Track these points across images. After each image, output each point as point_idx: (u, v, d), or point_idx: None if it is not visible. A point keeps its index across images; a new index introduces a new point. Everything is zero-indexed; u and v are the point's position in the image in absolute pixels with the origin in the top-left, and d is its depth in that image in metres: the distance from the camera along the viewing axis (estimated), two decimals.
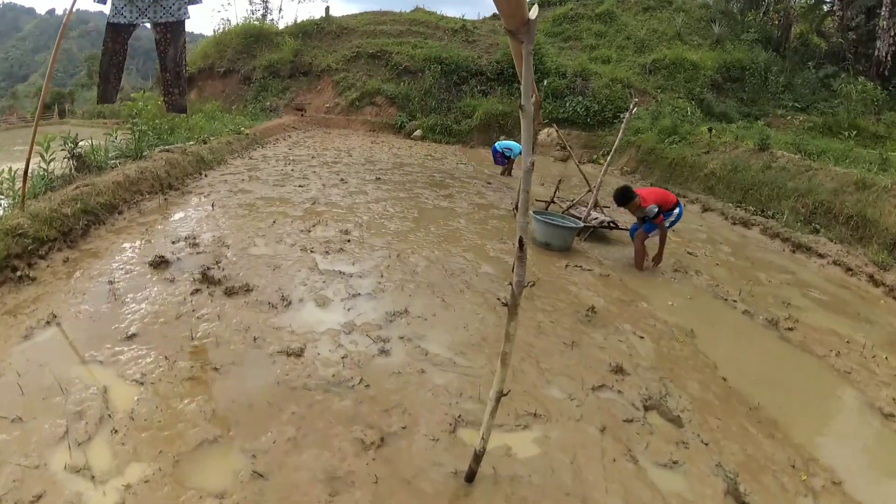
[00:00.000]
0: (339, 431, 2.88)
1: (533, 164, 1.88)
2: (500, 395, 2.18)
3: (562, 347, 4.22)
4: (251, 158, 11.03)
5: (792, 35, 20.05)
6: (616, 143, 7.89)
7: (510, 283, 2.14)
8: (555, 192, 9.08)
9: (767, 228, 9.98)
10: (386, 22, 23.76)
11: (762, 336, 5.13)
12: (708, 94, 17.26)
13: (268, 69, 21.07)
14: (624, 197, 6.27)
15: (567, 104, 18.36)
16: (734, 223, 10.66)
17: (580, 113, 17.95)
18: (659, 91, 17.93)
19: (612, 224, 7.78)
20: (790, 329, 5.31)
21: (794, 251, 9.25)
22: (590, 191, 8.40)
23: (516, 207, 8.85)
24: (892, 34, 16.08)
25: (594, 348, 4.30)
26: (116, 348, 3.44)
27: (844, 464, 3.30)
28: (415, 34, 22.72)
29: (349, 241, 6.08)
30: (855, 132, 12.24)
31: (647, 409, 3.59)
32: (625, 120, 7.87)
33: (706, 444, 3.27)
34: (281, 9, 43.23)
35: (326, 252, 5.60)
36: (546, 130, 18.00)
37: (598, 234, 7.87)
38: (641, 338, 4.64)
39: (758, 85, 17.88)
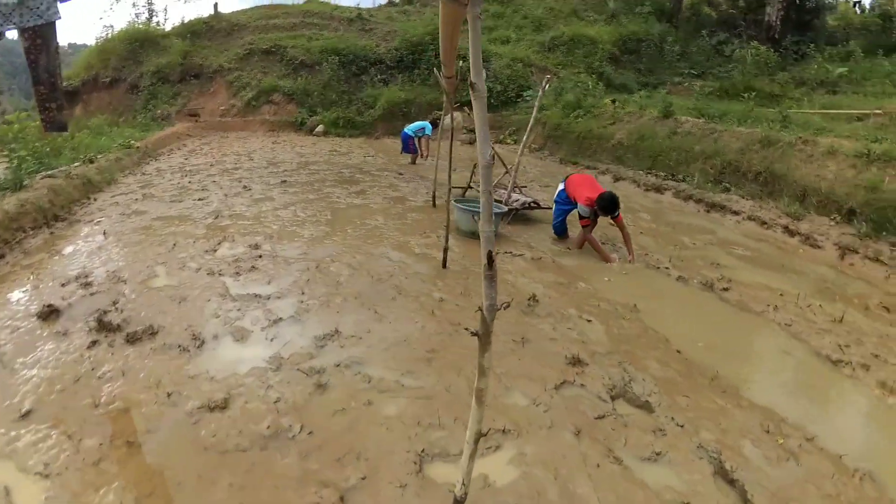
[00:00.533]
0: (290, 498, 2.40)
1: (493, 156, 1.50)
2: (479, 435, 1.81)
3: (512, 346, 3.93)
4: (144, 174, 9.86)
5: (683, 6, 20.96)
6: (531, 122, 7.67)
7: (479, 309, 1.75)
8: (471, 177, 8.84)
9: (680, 192, 10.27)
10: (278, 15, 22.55)
11: (702, 300, 5.14)
12: (607, 67, 17.72)
13: (156, 75, 19.33)
14: (616, 204, 6.03)
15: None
16: (647, 190, 10.90)
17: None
18: (559, 67, 18.19)
19: (534, 204, 7.67)
20: (725, 289, 5.36)
21: (708, 211, 9.56)
22: (507, 172, 8.20)
23: (444, 198, 8.58)
24: (781, 0, 17.16)
25: (545, 341, 4.05)
26: (12, 432, 2.73)
27: (811, 418, 3.30)
28: (309, 26, 21.74)
29: (261, 256, 5.44)
30: (753, 93, 12.82)
31: (614, 398, 3.39)
32: (538, 97, 7.68)
33: (681, 427, 3.12)
34: (166, 10, 39.92)
35: (237, 273, 4.94)
36: (450, 115, 17.74)
37: (520, 216, 7.71)
38: (589, 321, 4.46)
39: (654, 55, 18.59)
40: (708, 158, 10.50)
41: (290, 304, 4.38)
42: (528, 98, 17.17)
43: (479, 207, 5.63)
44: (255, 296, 4.46)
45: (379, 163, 12.58)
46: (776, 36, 16.92)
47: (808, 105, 12.53)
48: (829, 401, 3.64)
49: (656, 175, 11.31)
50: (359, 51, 19.44)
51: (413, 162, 12.71)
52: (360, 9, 23.77)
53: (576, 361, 3.74)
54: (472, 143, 17.08)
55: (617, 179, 11.90)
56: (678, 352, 4.03)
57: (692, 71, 17.81)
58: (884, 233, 7.01)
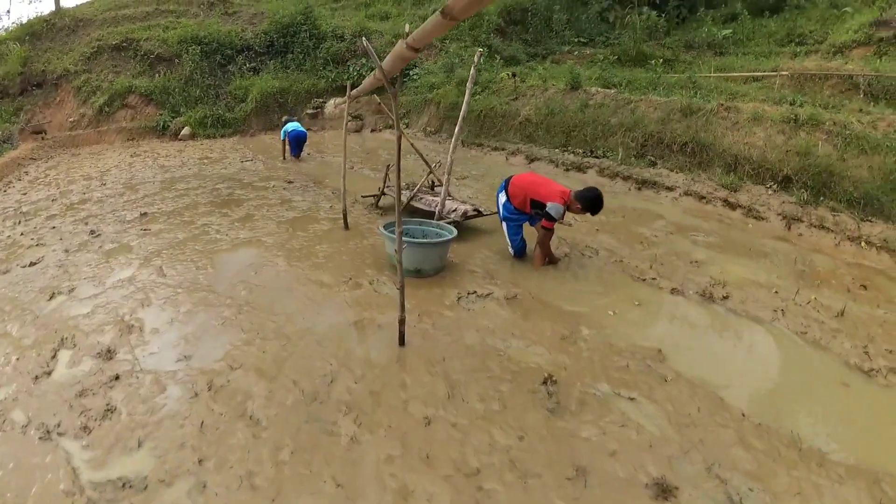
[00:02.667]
0: None
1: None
2: None
3: (569, 487, 2.51)
4: None
5: None
6: (464, 108, 6.11)
7: None
8: (385, 180, 7.20)
9: (604, 169, 9.43)
10: (128, 5, 18.61)
11: (713, 320, 4.28)
12: (495, 39, 16.39)
13: None
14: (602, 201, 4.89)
15: (350, 69, 16.13)
16: (567, 169, 10.00)
17: (366, 76, 15.88)
18: (445, 42, 16.64)
19: (478, 211, 6.16)
20: (726, 297, 4.60)
21: (639, 188, 8.85)
22: (431, 172, 6.66)
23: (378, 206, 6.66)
24: None
25: (605, 460, 2.68)
26: None
27: None
28: (165, 13, 18.15)
29: (117, 377, 3.31)
30: (659, 60, 12.24)
31: None
32: (469, 78, 6.08)
33: None
34: (9, 11, 30.79)
35: (84, 427, 2.87)
36: (332, 101, 15.82)
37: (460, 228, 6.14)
38: (632, 399, 3.19)
39: (540, 25, 17.48)
40: (627, 131, 9.69)
41: (182, 497, 2.43)
42: (415, 77, 15.52)
43: (416, 232, 3.89)
44: (122, 484, 2.48)
45: (260, 169, 10.33)
46: (657, 2, 16.53)
47: (704, 69, 12.12)
48: None
49: (573, 152, 10.36)
50: (223, 38, 16.43)
51: (290, 157, 11.34)
52: None
53: (661, 489, 2.46)
54: (357, 131, 15.31)
55: (531, 160, 10.83)
56: (743, 415, 3.07)
57: (580, 39, 17.00)
58: (821, 198, 6.74)
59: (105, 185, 9.02)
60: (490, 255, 5.48)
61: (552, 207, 4.73)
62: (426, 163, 6.66)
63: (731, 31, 14.58)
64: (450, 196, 6.50)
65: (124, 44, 16.55)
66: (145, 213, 6.91)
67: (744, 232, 6.55)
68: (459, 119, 5.69)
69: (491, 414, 2.99)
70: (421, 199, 6.55)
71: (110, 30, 17.15)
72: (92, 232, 6.17)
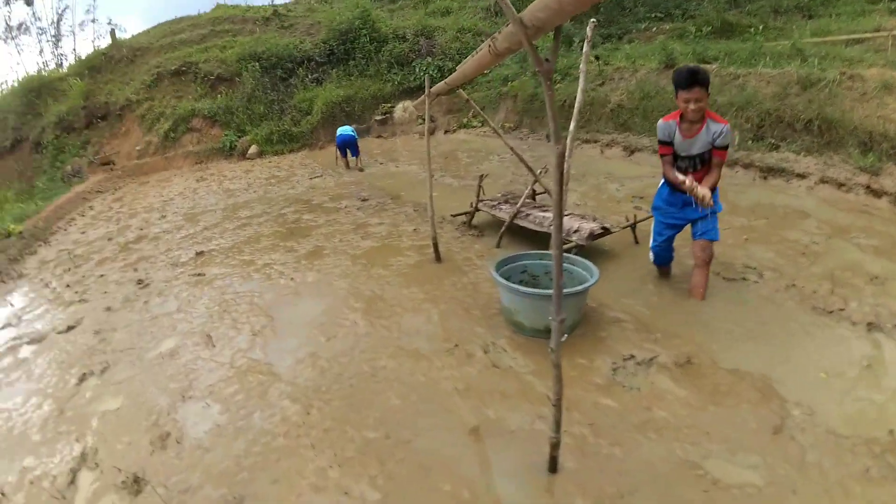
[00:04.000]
0: None
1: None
2: None
3: None
4: (15, 279, 6.20)
5: None
6: (579, 99, 4.39)
7: None
8: (478, 193, 5.93)
9: None
10: (184, 29, 18.45)
11: None
12: (565, 23, 14.76)
13: (59, 125, 15.26)
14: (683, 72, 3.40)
15: (416, 69, 14.96)
16: None
17: (434, 76, 14.66)
18: None
19: (605, 229, 4.70)
20: None
21: (765, 177, 7.37)
22: (537, 180, 5.24)
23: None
24: None
25: None
26: None
27: None
28: (220, 34, 17.78)
29: None
30: (759, 28, 10.48)
31: None
32: (584, 56, 4.50)
33: None
34: (75, 49, 32.08)
35: None
36: (401, 105, 14.69)
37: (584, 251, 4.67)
38: None
39: (611, 4, 15.62)
40: (739, 110, 8.04)
41: None
42: (486, 72, 14.16)
43: (537, 269, 2.81)
44: None
45: (330, 186, 9.29)
46: None
47: (799, 34, 10.15)
48: None
49: None
50: (281, 51, 15.71)
51: (346, 165, 10.89)
52: (274, 5, 19.84)
53: None
54: (432, 132, 14.07)
55: (631, 151, 9.37)
56: None
57: (656, 14, 15.05)
58: None
59: (165, 216, 8.28)
60: (631, 286, 4.10)
61: (725, 131, 3.36)
62: (529, 168, 5.26)
63: None
64: (576, 214, 5.12)
65: (183, 68, 16.19)
66: (201, 253, 5.96)
67: (892, 224, 5.28)
68: (575, 112, 4.24)
69: None
70: (527, 215, 5.18)
71: (168, 56, 16.90)
72: (139, 282, 5.25)
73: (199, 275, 5.26)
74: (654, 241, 3.98)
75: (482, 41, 15.20)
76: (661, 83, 9.40)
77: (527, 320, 3.35)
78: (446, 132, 14.14)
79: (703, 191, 3.29)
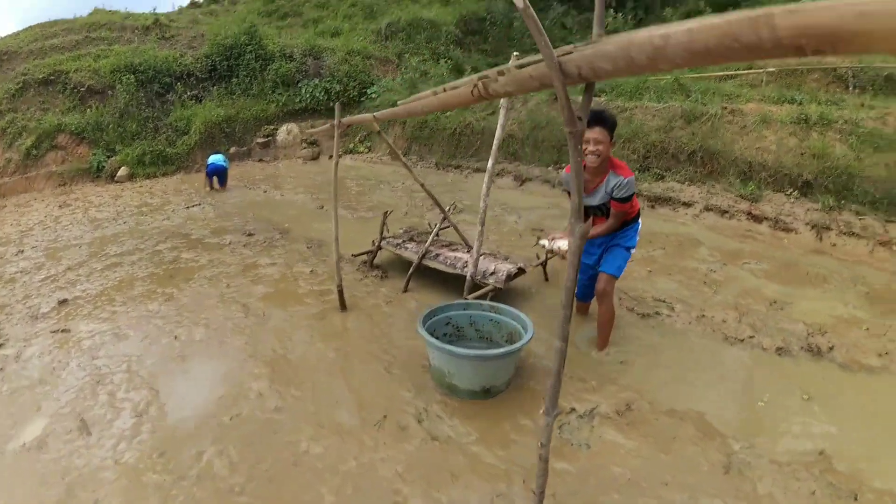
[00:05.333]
0: None
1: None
2: None
3: None
4: None
5: None
6: (498, 134, 4.22)
7: None
8: (381, 230, 5.39)
9: None
10: (57, 34, 15.95)
11: (845, 386, 3.26)
12: (455, 50, 14.92)
13: None
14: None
15: (303, 90, 14.25)
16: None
17: (320, 98, 14.07)
18: (403, 56, 15.04)
19: (521, 269, 4.55)
20: (831, 348, 3.63)
21: (652, 206, 7.85)
22: (446, 217, 5.03)
23: (375, 249, 5.18)
24: None
25: None
26: None
27: None
28: (96, 41, 15.62)
29: None
30: None
31: None
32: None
33: None
34: None
35: None
36: (285, 127, 13.93)
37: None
38: None
39: (500, 34, 16.09)
40: (627, 142, 8.52)
41: None
42: (373, 95, 13.84)
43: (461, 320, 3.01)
44: None
45: (210, 217, 8.21)
46: (614, 4, 15.53)
47: (679, 70, 11.10)
48: None
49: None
50: (160, 64, 14.14)
51: (212, 189, 10.55)
52: (156, 14, 17.92)
53: None
54: (314, 158, 13.46)
55: (522, 181, 9.54)
56: None
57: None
58: (843, 202, 6.19)
59: (22, 251, 6.84)
60: (553, 330, 3.90)
61: (627, 183, 3.18)
62: (437, 204, 5.00)
63: None
64: (493, 255, 4.87)
65: (52, 77, 14.01)
66: (65, 301, 4.91)
67: (785, 250, 5.85)
68: (494, 148, 4.08)
69: None
70: (436, 255, 4.80)
71: (36, 62, 14.58)
72: None
73: (64, 331, 4.29)
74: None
75: (372, 65, 15.13)
76: (551, 114, 9.70)
77: (462, 382, 3.02)
78: (330, 157, 13.58)
79: (558, 244, 3.60)
